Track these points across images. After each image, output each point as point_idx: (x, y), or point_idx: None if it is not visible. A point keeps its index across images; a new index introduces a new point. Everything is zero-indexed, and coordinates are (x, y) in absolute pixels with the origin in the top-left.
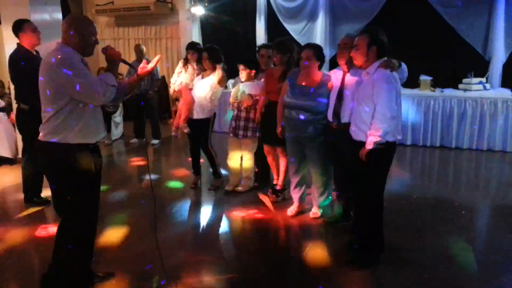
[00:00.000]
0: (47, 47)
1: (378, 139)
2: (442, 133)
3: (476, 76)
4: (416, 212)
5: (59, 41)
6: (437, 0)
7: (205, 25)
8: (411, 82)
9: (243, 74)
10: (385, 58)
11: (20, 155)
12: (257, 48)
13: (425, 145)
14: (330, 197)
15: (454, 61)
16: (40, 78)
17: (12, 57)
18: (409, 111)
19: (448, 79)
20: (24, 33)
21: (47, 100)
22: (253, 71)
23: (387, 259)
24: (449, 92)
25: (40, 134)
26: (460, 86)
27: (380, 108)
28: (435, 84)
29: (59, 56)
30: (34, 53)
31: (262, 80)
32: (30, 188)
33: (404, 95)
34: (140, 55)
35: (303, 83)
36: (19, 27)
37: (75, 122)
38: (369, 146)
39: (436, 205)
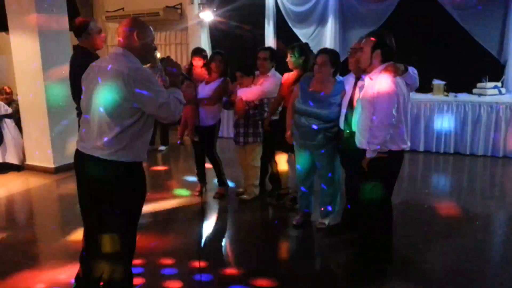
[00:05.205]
0: None
1: (376, 147)
2: (456, 139)
3: (491, 80)
4: (427, 223)
5: (121, 48)
6: (451, 2)
7: (214, 31)
8: (424, 87)
9: (242, 82)
10: (390, 62)
11: (27, 162)
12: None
13: (438, 152)
14: (337, 207)
15: (469, 65)
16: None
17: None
18: (422, 117)
19: (462, 83)
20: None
21: (114, 116)
22: (251, 77)
23: (395, 273)
24: (463, 97)
25: (102, 150)
26: (474, 90)
27: (378, 115)
28: (448, 89)
29: (132, 70)
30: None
31: (261, 83)
32: None
33: (417, 100)
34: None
35: (316, 90)
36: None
37: (144, 137)
38: (368, 154)
39: (449, 215)
